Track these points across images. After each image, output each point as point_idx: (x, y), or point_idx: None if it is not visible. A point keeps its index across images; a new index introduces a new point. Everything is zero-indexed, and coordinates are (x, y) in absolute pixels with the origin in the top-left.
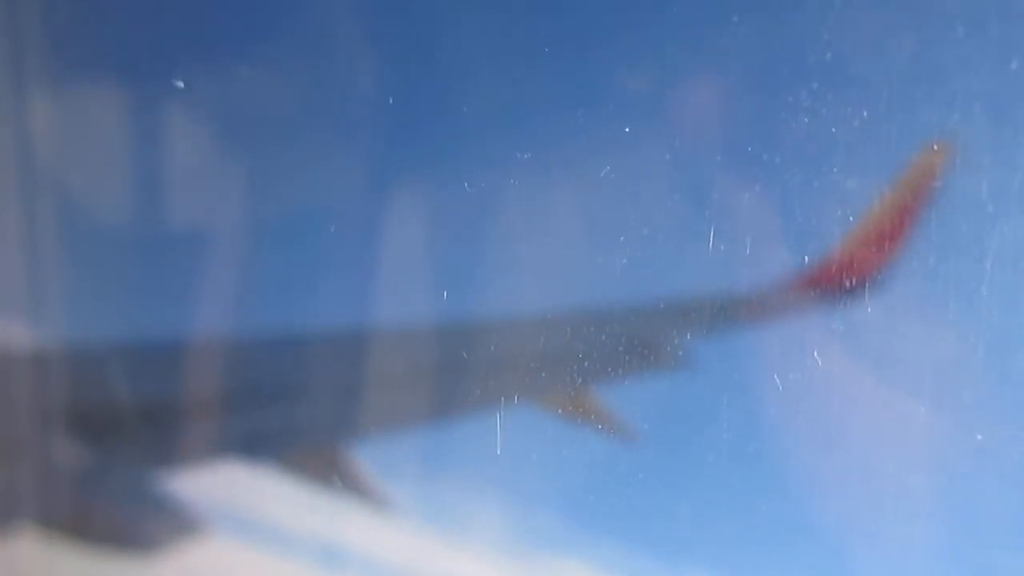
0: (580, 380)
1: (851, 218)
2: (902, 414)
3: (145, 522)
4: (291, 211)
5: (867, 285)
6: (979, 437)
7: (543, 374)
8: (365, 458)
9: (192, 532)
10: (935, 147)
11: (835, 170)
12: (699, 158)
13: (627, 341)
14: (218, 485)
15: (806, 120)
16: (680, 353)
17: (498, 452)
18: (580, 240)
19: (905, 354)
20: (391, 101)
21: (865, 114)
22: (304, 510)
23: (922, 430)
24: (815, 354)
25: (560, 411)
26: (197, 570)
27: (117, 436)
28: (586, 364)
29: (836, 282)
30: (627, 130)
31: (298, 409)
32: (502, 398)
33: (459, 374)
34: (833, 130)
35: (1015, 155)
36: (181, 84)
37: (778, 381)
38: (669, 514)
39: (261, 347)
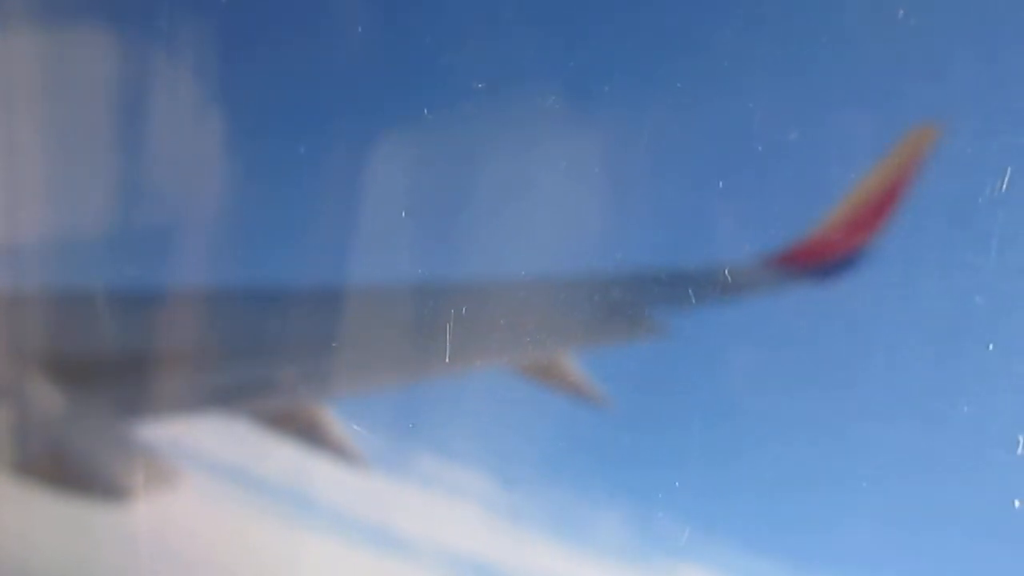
0: (556, 346)
1: (833, 198)
2: (877, 391)
3: (119, 469)
4: (271, 167)
5: (847, 265)
6: (965, 409)
7: (519, 338)
8: (340, 415)
9: (166, 480)
10: (918, 131)
11: (819, 150)
12: (683, 133)
13: (605, 309)
14: (193, 435)
15: (790, 100)
16: (657, 324)
17: (472, 413)
18: (561, 207)
19: (882, 333)
20: (373, 59)
21: (849, 96)
22: (278, 463)
23: (898, 406)
24: (792, 330)
25: (535, 376)
26: (171, 518)
27: (94, 383)
28: (562, 330)
29: (816, 261)
30: (611, 102)
31: (274, 364)
32: (478, 360)
33: (435, 335)
34: (817, 111)
35: (997, 139)
36: (161, 31)
37: (754, 355)
38: (640, 480)
39: (240, 300)
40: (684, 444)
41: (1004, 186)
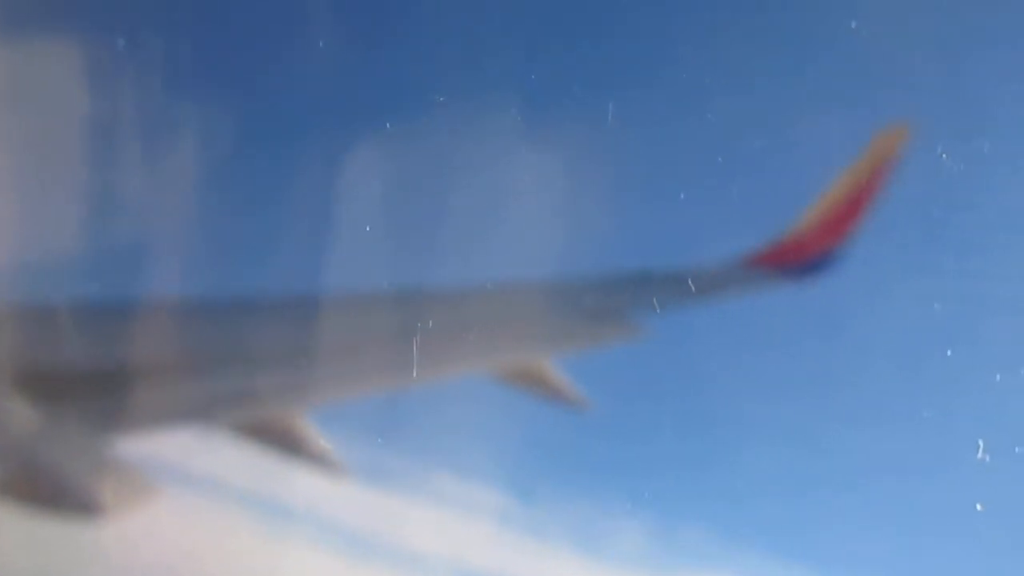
0: (536, 351)
1: (807, 200)
2: (854, 386)
3: (95, 484)
4: (247, 178)
5: (821, 265)
6: (936, 402)
7: (498, 344)
8: (319, 424)
9: (143, 495)
10: (888, 133)
11: (792, 153)
12: (659, 139)
13: (584, 314)
14: (170, 449)
15: (766, 102)
16: (636, 326)
17: (451, 419)
18: (538, 213)
19: (858, 330)
20: (347, 70)
21: (821, 100)
22: (257, 474)
23: (876, 401)
24: (765, 333)
25: (515, 381)
26: (148, 533)
27: (68, 398)
28: (542, 335)
29: (791, 262)
30: (588, 109)
31: (251, 374)
32: (457, 367)
33: (413, 342)
34: (790, 115)
35: (969, 138)
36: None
37: (731, 358)
38: (618, 482)
39: (215, 311)
40: (663, 447)
41: (972, 189)
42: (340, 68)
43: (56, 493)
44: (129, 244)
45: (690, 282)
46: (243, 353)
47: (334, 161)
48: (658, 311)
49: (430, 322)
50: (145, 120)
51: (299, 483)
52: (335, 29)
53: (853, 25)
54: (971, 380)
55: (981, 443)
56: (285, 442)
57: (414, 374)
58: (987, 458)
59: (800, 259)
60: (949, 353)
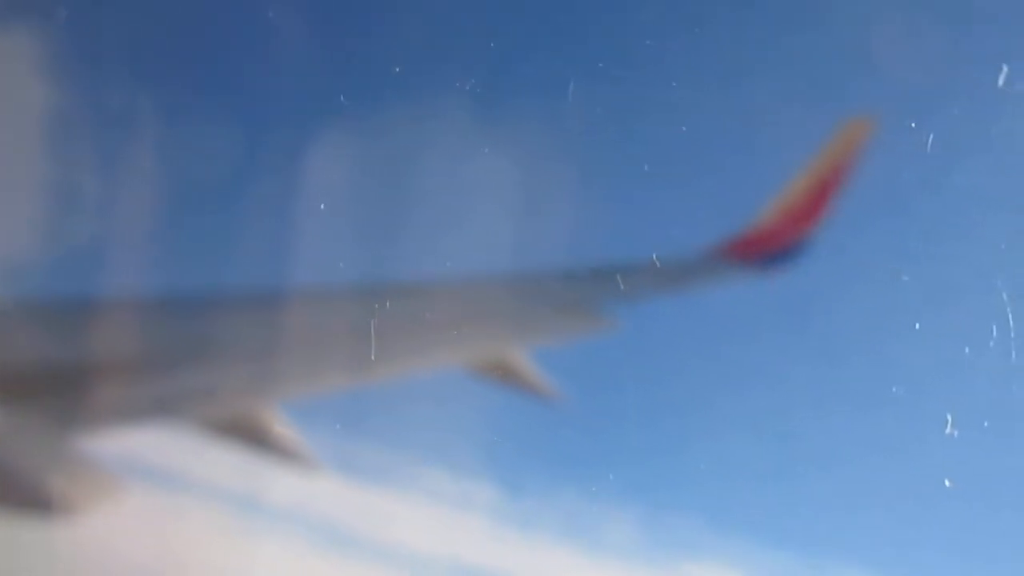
0: (508, 343)
1: (775, 189)
2: (825, 369)
3: (61, 483)
4: (211, 171)
5: (789, 254)
6: (904, 379)
7: (470, 337)
8: (289, 418)
9: (110, 493)
10: (854, 123)
11: (758, 143)
12: (626, 131)
13: (555, 306)
14: (137, 446)
15: (732, 94)
16: (608, 318)
17: (422, 412)
18: (508, 206)
19: (824, 319)
20: (316, 64)
21: (789, 88)
22: (225, 470)
23: (847, 383)
24: (736, 321)
25: (487, 374)
26: (116, 531)
27: (32, 397)
28: (514, 328)
29: (759, 251)
30: (558, 102)
31: (218, 370)
32: (429, 360)
33: (385, 336)
34: (758, 104)
35: (932, 129)
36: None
37: (701, 347)
38: (591, 472)
39: (180, 307)
40: (637, 437)
41: (938, 175)
42: (307, 64)
43: (21, 493)
44: (91, 240)
45: (660, 273)
46: (209, 348)
47: (301, 156)
48: (629, 303)
49: (400, 315)
50: (105, 117)
51: (270, 478)
52: (300, 25)
53: (819, 16)
54: (938, 357)
55: (950, 418)
56: (255, 437)
57: (384, 367)
58: (955, 433)
59: (768, 249)
60: (917, 326)
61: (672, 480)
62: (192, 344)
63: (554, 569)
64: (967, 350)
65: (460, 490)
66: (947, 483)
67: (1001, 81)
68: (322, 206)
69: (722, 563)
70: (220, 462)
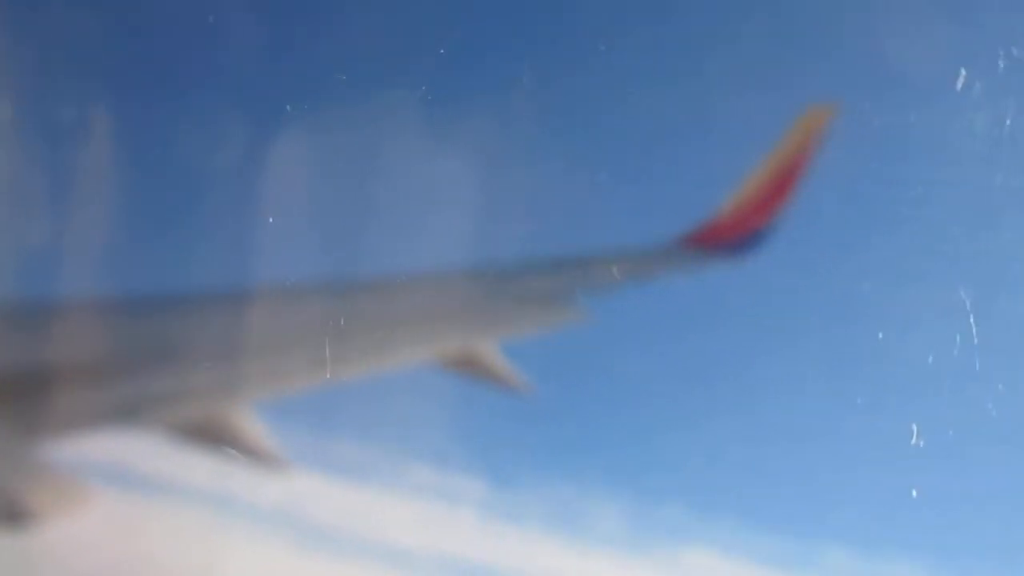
0: (475, 337)
1: (737, 178)
2: (785, 362)
3: (25, 492)
4: (168, 173)
5: (752, 243)
6: (859, 400)
7: (438, 331)
8: (262, 418)
9: (76, 501)
10: (813, 111)
11: (721, 131)
12: (592, 124)
13: (523, 298)
14: (103, 451)
15: (692, 84)
16: (575, 309)
17: (393, 407)
18: (475, 200)
19: (787, 306)
20: (272, 62)
21: (749, 78)
22: (194, 473)
23: (804, 376)
24: (702, 307)
25: (456, 368)
26: (83, 539)
27: None
28: (481, 321)
29: (722, 240)
30: (521, 94)
31: (183, 372)
32: (397, 356)
33: (352, 333)
34: (718, 94)
35: (893, 116)
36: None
37: (667, 337)
38: (546, 464)
39: (143, 309)
40: (614, 427)
41: (898, 162)
42: (264, 62)
43: None
44: (51, 243)
45: (626, 263)
46: (174, 350)
47: (260, 157)
48: (596, 293)
49: (367, 312)
50: (59, 117)
51: (243, 480)
52: (252, 25)
53: (779, 5)
54: (903, 363)
55: (915, 428)
56: (224, 439)
57: (353, 364)
58: (921, 443)
59: (731, 238)
60: (880, 336)
61: (654, 468)
62: (157, 346)
63: (543, 560)
64: (930, 359)
65: (444, 485)
66: (914, 493)
67: (959, 85)
68: (283, 206)
69: (711, 548)
70: (190, 465)
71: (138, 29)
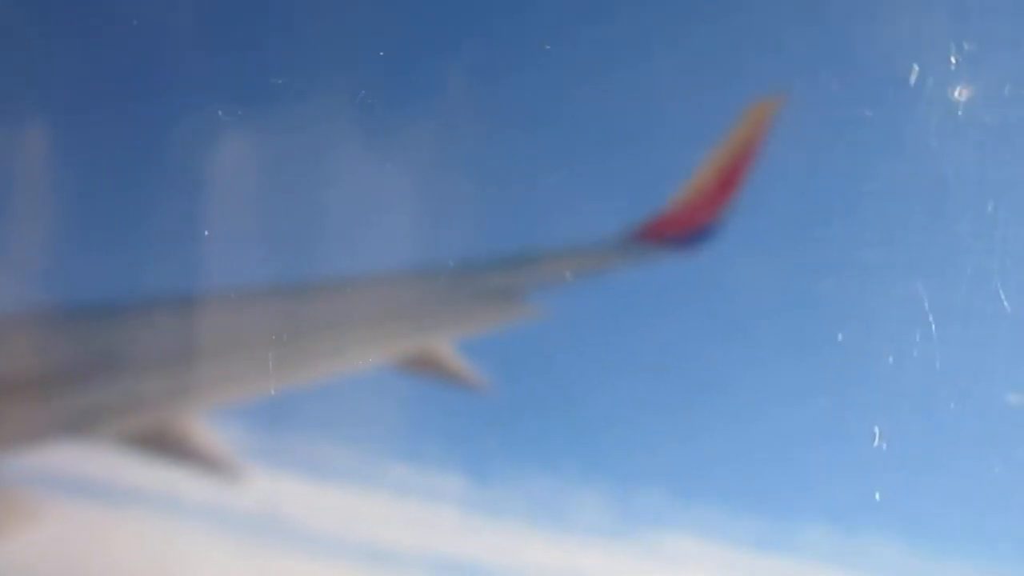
0: (431, 336)
1: (686, 171)
2: (740, 350)
3: None
4: (117, 177)
5: (702, 236)
6: (822, 401)
7: (392, 332)
8: (211, 425)
9: (28, 514)
10: (761, 104)
11: (668, 124)
12: (536, 118)
13: (477, 296)
14: (54, 463)
15: (638, 79)
16: (529, 305)
17: (348, 410)
18: (424, 199)
19: (739, 296)
20: (218, 65)
21: (696, 71)
22: (147, 482)
23: (760, 365)
24: (655, 300)
25: (412, 368)
26: (36, 551)
27: None
28: (436, 320)
29: (672, 234)
30: (467, 94)
31: (133, 381)
32: (352, 358)
33: (304, 336)
34: (665, 88)
35: (844, 109)
36: None
37: (621, 332)
38: (519, 459)
39: (89, 317)
40: (572, 420)
41: (847, 155)
42: (209, 65)
43: None
44: None
45: (578, 258)
46: (122, 359)
47: (204, 162)
48: (549, 288)
49: (319, 315)
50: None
51: (192, 487)
52: (202, 27)
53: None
54: (863, 361)
55: (878, 431)
56: (176, 447)
57: (306, 368)
58: (884, 446)
59: (682, 231)
60: (840, 338)
61: (625, 456)
62: (106, 355)
63: (526, 552)
64: (891, 360)
65: (422, 483)
66: (877, 496)
67: (912, 80)
68: (232, 209)
69: (688, 532)
70: (144, 474)
71: (81, 33)
